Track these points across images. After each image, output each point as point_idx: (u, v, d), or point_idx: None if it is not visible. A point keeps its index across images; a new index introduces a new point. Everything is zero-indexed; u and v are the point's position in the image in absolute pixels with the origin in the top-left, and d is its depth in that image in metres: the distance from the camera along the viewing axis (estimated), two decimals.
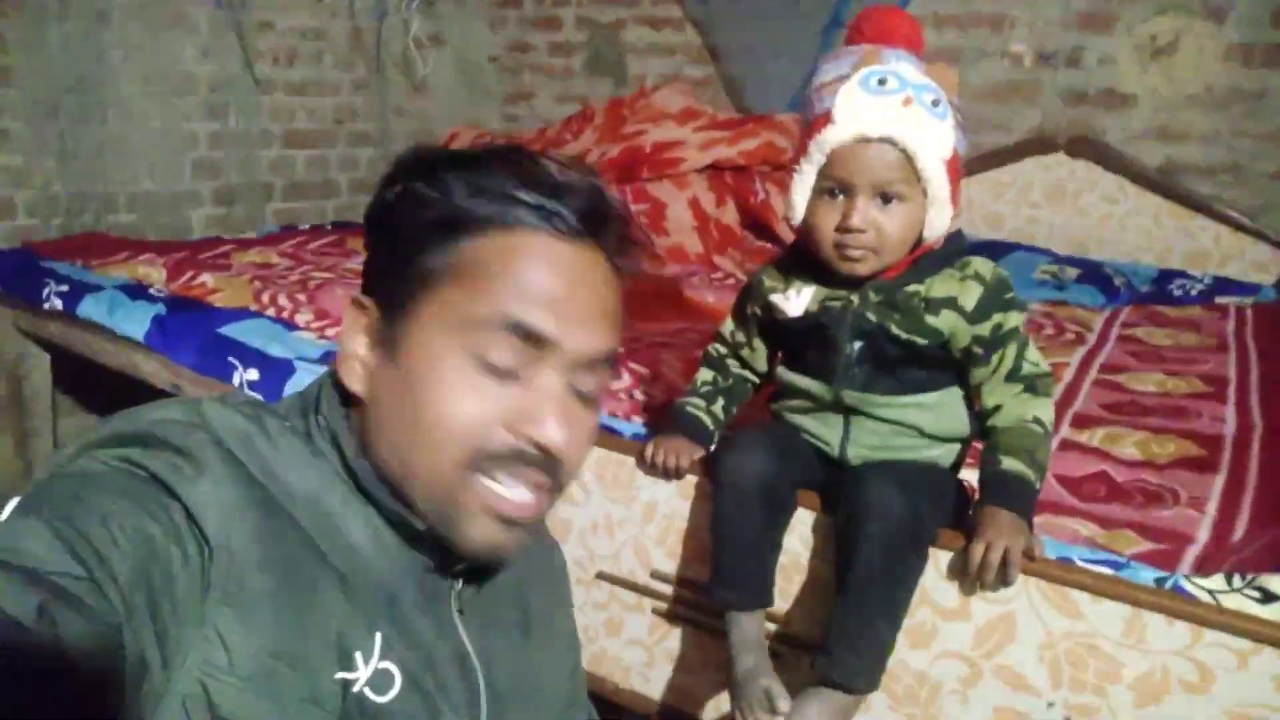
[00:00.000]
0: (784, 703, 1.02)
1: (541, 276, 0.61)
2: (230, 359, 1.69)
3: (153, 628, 0.52)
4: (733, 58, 3.29)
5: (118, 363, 1.97)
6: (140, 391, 1.91)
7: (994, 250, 2.68)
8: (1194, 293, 2.51)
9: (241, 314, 1.85)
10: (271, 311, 1.90)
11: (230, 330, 1.76)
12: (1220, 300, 2.46)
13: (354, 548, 0.62)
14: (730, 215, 2.89)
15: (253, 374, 1.67)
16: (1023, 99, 2.86)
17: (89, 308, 1.92)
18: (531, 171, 0.63)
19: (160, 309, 1.86)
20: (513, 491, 0.62)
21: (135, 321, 1.84)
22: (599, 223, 0.64)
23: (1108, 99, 2.75)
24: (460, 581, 0.68)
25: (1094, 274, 2.53)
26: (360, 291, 0.67)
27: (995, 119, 2.89)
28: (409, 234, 0.63)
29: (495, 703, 0.68)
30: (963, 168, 1.07)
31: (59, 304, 1.97)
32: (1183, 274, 2.59)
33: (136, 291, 1.95)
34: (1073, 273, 2.54)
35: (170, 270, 2.09)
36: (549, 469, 0.63)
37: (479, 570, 0.70)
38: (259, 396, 1.55)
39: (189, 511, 0.55)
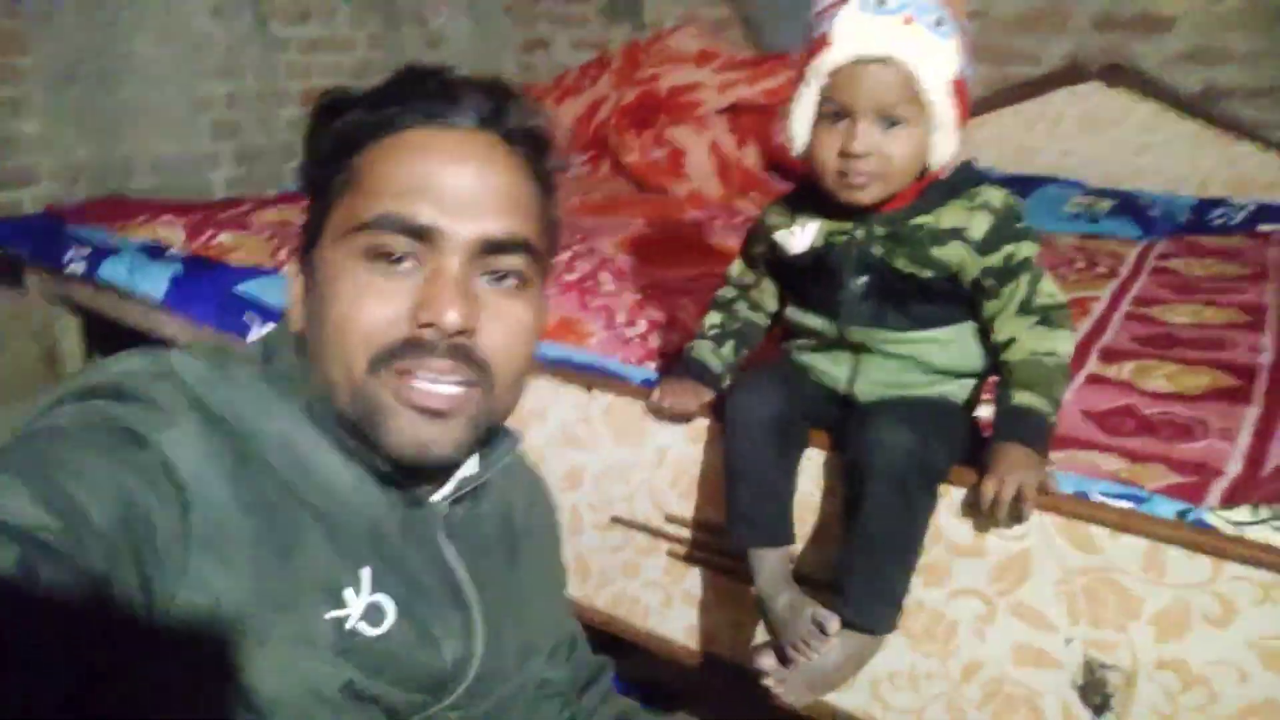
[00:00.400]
0: (834, 623, 1.02)
1: (422, 168, 0.61)
2: (245, 316, 1.70)
3: (137, 578, 0.51)
4: None
5: (142, 324, 1.99)
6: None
7: (1024, 185, 2.59)
8: (1235, 221, 2.41)
9: (256, 271, 1.85)
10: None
11: (245, 288, 1.77)
12: (1263, 228, 2.37)
13: (331, 486, 0.62)
14: (752, 157, 2.83)
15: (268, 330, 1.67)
16: (1053, 27, 2.75)
17: (109, 270, 1.94)
18: (425, 81, 0.63)
19: (178, 269, 1.87)
20: (431, 387, 0.61)
21: (153, 282, 1.86)
22: (495, 111, 0.64)
23: (1143, 22, 2.63)
24: (447, 506, 0.69)
25: (1128, 205, 2.44)
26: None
27: (1025, 48, 2.79)
28: (316, 171, 0.65)
29: (490, 624, 0.68)
30: (971, 92, 1.02)
31: (81, 268, 2.00)
32: (1223, 202, 2.48)
33: (155, 253, 1.96)
34: (1106, 205, 2.45)
35: (189, 231, 2.10)
36: (468, 359, 0.62)
37: (465, 495, 0.70)
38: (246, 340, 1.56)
39: (164, 461, 0.55)
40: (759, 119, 2.83)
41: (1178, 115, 2.59)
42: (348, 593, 0.60)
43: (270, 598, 0.57)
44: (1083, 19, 2.71)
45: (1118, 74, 2.64)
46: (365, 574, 0.61)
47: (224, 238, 2.06)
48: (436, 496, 0.68)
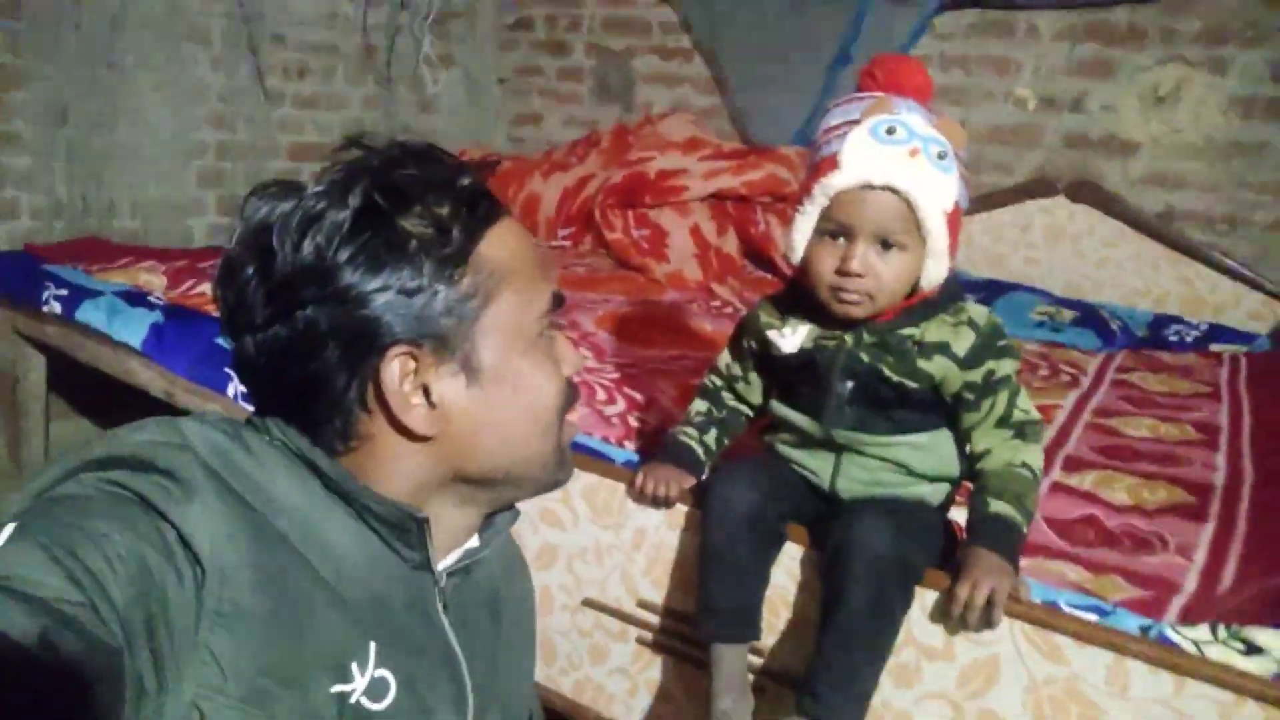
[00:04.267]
0: None
1: (532, 252, 0.70)
2: (226, 369, 1.69)
3: (149, 650, 0.52)
4: (739, 90, 3.32)
5: (114, 369, 1.96)
6: (133, 397, 1.91)
7: (993, 289, 2.69)
8: (1190, 339, 2.52)
9: None
10: None
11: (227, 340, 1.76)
12: (1215, 348, 2.47)
13: (341, 557, 0.63)
14: (731, 244, 2.91)
15: None
16: (1025, 142, 2.89)
17: (88, 313, 1.92)
18: (451, 182, 0.66)
19: (158, 317, 1.86)
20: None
21: (133, 329, 1.84)
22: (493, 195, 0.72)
23: (1109, 145, 2.77)
24: (445, 577, 0.70)
25: (1090, 317, 2.54)
26: (397, 349, 0.63)
27: (997, 160, 2.92)
28: (408, 285, 0.63)
29: (479, 696, 0.70)
30: (962, 219, 1.08)
31: (58, 308, 1.98)
32: (1179, 320, 2.60)
33: (136, 299, 1.95)
34: (1069, 315, 2.55)
35: (171, 278, 2.10)
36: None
37: (463, 566, 0.72)
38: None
39: (181, 534, 0.56)
40: (740, 208, 2.92)
41: (1137, 233, 2.72)
42: (353, 667, 0.61)
43: (278, 672, 0.57)
44: (1054, 136, 2.85)
45: (1083, 190, 2.77)
46: (372, 648, 0.62)
47: (206, 287, 2.05)
48: (441, 565, 0.70)
